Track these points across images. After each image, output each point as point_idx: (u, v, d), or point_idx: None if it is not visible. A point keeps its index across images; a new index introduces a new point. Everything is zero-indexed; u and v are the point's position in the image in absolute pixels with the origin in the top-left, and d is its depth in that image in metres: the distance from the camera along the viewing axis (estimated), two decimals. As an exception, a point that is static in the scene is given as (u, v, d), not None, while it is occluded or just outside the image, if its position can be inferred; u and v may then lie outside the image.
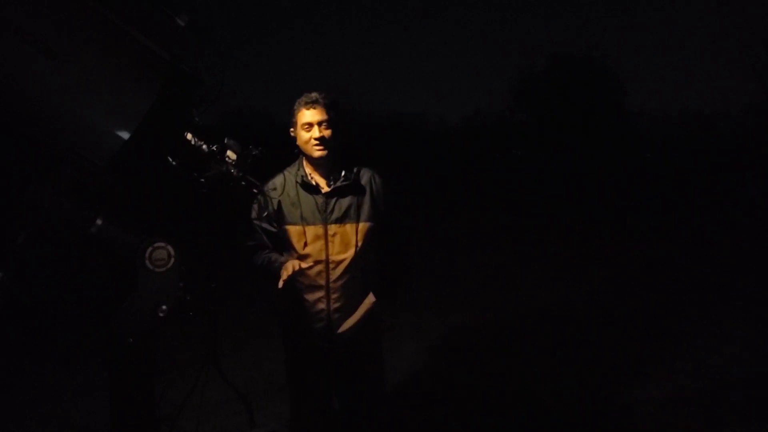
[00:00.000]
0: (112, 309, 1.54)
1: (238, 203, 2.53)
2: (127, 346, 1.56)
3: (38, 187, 1.43)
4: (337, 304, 2.57)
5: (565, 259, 8.54)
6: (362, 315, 2.61)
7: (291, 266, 2.42)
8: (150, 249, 1.52)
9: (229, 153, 1.65)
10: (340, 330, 2.60)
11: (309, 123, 2.54)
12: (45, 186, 1.44)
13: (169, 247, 1.54)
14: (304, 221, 2.55)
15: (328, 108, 2.55)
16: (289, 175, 2.63)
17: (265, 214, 2.62)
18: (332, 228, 2.55)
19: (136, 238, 1.53)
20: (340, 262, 2.55)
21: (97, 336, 1.71)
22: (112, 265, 1.63)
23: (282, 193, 2.56)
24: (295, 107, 2.58)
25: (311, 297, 2.58)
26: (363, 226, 2.58)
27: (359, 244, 2.56)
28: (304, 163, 2.63)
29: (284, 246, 2.62)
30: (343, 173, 2.59)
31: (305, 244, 2.55)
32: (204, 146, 1.61)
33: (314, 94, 2.57)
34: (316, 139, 2.53)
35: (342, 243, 2.55)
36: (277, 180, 2.62)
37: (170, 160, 1.56)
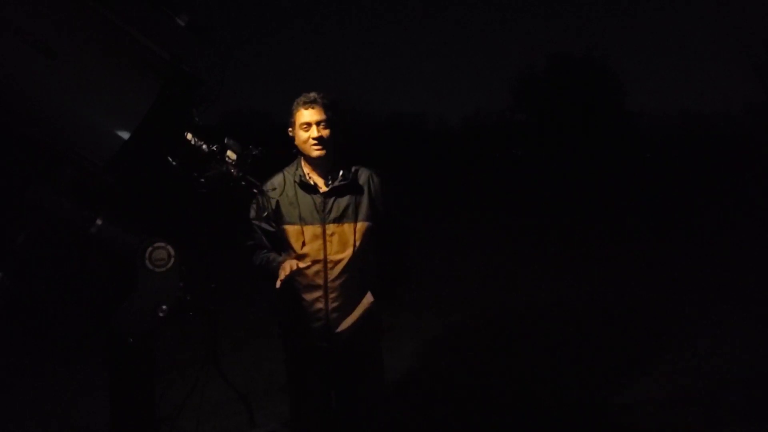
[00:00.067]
0: (112, 309, 1.54)
1: (238, 203, 2.54)
2: (127, 346, 1.56)
3: (38, 187, 1.43)
4: (335, 304, 2.58)
5: (565, 259, 8.54)
6: (360, 315, 2.61)
7: (288, 266, 2.42)
8: (150, 249, 1.52)
9: (229, 153, 1.65)
10: (339, 330, 2.60)
11: (307, 123, 2.54)
12: (45, 186, 1.44)
13: (169, 247, 1.54)
14: (302, 221, 2.56)
15: (327, 108, 2.56)
16: (288, 174, 2.63)
17: (264, 214, 2.62)
18: (330, 228, 2.55)
19: (136, 238, 1.53)
20: (338, 261, 2.55)
21: (97, 336, 1.71)
22: (112, 265, 1.63)
23: (282, 192, 2.56)
24: (294, 107, 2.58)
25: (309, 297, 2.59)
26: (361, 225, 2.58)
27: (357, 243, 2.56)
28: (303, 162, 2.63)
29: (283, 246, 2.62)
30: (341, 173, 2.59)
31: (303, 244, 2.55)
32: (204, 146, 1.61)
33: (312, 94, 2.57)
34: (314, 138, 2.53)
35: (340, 243, 2.55)
36: (277, 179, 2.62)
37: (170, 160, 1.56)
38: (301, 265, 2.47)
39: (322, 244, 2.55)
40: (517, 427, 3.69)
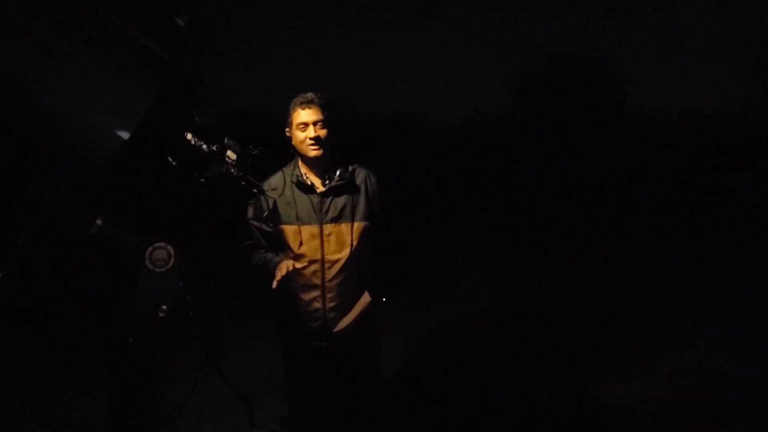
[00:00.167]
0: (112, 309, 1.54)
1: (238, 203, 2.54)
2: (127, 346, 1.56)
3: (38, 187, 1.43)
4: (332, 304, 2.58)
5: (565, 259, 8.54)
6: (358, 314, 2.62)
7: (285, 266, 2.43)
8: (150, 249, 1.52)
9: (229, 153, 1.66)
10: (336, 329, 2.60)
11: (304, 123, 2.55)
12: (45, 186, 1.44)
13: (169, 247, 1.54)
14: (299, 221, 2.56)
15: (323, 108, 2.56)
16: (286, 174, 2.64)
17: (264, 214, 2.63)
18: (328, 227, 2.56)
19: (136, 238, 1.53)
20: (336, 261, 2.56)
21: (97, 336, 1.71)
22: (112, 265, 1.63)
23: (282, 192, 2.57)
24: (291, 107, 2.59)
25: (307, 296, 2.59)
26: (358, 225, 2.58)
27: (354, 243, 2.57)
28: (300, 162, 2.64)
29: (280, 246, 2.62)
30: (338, 173, 2.60)
31: (301, 244, 2.55)
32: (204, 146, 1.61)
33: (309, 94, 2.58)
34: (311, 138, 2.54)
35: (337, 242, 2.56)
36: (275, 179, 2.63)
37: (170, 160, 1.56)
38: (298, 265, 2.47)
39: (320, 244, 2.55)
40: (517, 427, 3.69)
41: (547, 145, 27.77)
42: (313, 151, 2.55)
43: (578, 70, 28.93)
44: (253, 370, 4.37)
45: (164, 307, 1.54)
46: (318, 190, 2.59)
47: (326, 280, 2.57)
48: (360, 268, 2.61)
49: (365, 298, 2.64)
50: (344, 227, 2.57)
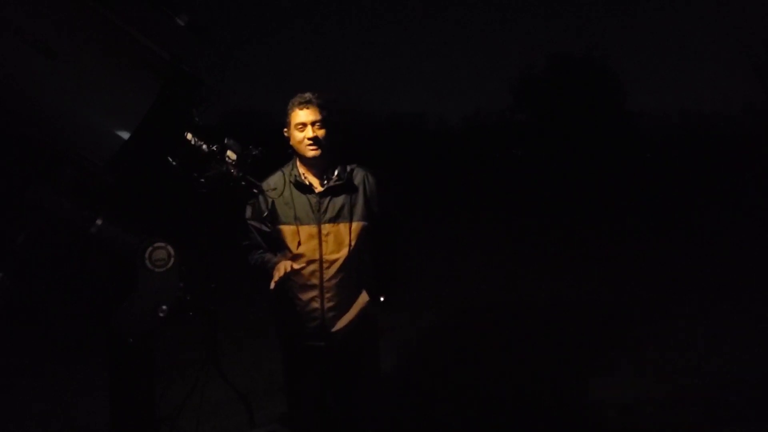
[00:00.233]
0: (112, 309, 1.54)
1: (238, 203, 2.54)
2: (127, 346, 1.56)
3: (38, 187, 1.43)
4: (330, 303, 2.58)
5: (565, 259, 8.54)
6: (356, 314, 2.63)
7: (283, 267, 2.43)
8: (150, 249, 1.52)
9: (229, 153, 1.65)
10: (334, 329, 2.61)
11: (302, 123, 2.55)
12: (45, 186, 1.44)
13: (169, 247, 1.54)
14: (297, 221, 2.56)
15: (322, 108, 2.56)
16: (285, 174, 2.64)
17: (264, 214, 2.63)
18: (326, 227, 2.56)
19: (136, 238, 1.53)
20: (334, 261, 2.56)
21: (97, 336, 1.71)
22: (112, 265, 1.63)
23: (282, 192, 2.57)
24: (289, 107, 2.59)
25: (305, 296, 2.59)
26: (356, 225, 2.58)
27: (353, 243, 2.57)
28: (298, 163, 2.64)
29: (279, 246, 2.63)
30: (336, 173, 2.60)
31: (299, 244, 2.56)
32: (204, 146, 1.61)
33: (307, 94, 2.58)
34: (309, 139, 2.54)
35: (335, 242, 2.56)
36: (275, 179, 2.63)
37: (170, 160, 1.56)
38: (296, 266, 2.47)
39: (318, 244, 2.55)
40: (517, 427, 3.69)
41: (547, 145, 27.78)
42: (311, 152, 2.55)
43: (578, 70, 28.93)
44: (253, 370, 4.37)
45: (164, 307, 1.53)
46: (316, 190, 2.59)
47: (324, 280, 2.57)
48: (358, 268, 2.62)
49: (363, 298, 2.64)
50: (342, 227, 2.57)
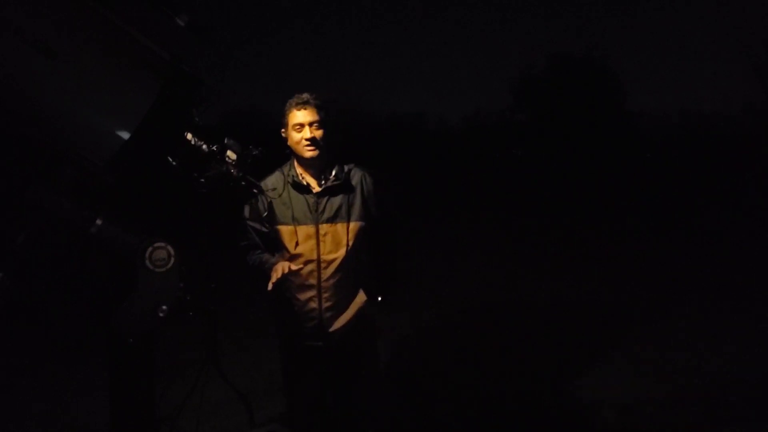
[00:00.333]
0: (112, 309, 1.54)
1: (238, 203, 2.54)
2: (127, 346, 1.56)
3: (38, 187, 1.43)
4: (328, 303, 2.59)
5: (565, 259, 8.54)
6: (354, 314, 2.63)
7: (281, 268, 2.43)
8: (150, 249, 1.52)
9: (229, 153, 1.65)
10: (332, 329, 2.61)
11: (300, 124, 2.55)
12: (45, 186, 1.43)
13: (169, 247, 1.54)
14: (295, 221, 2.57)
15: (319, 108, 2.57)
16: (283, 174, 2.64)
17: (264, 214, 2.63)
18: (323, 228, 2.56)
19: (136, 238, 1.53)
20: (332, 261, 2.56)
21: (97, 336, 1.71)
22: (112, 265, 1.63)
23: (282, 192, 2.57)
24: (286, 108, 2.59)
25: (303, 296, 2.60)
26: (354, 225, 2.59)
27: (350, 243, 2.57)
28: (296, 163, 2.64)
29: (276, 246, 2.63)
30: (334, 173, 2.60)
31: (297, 244, 2.56)
32: (204, 146, 1.61)
33: (305, 95, 2.58)
34: (307, 139, 2.54)
35: (333, 242, 2.56)
36: (274, 180, 2.63)
37: (170, 160, 1.56)
38: (294, 267, 2.47)
39: (316, 244, 2.56)
40: (517, 427, 3.69)
41: (547, 145, 27.77)
42: (309, 152, 2.55)
43: (578, 70, 28.92)
44: (253, 370, 4.37)
45: (164, 307, 1.53)
46: (314, 191, 2.59)
47: (322, 280, 2.57)
48: (356, 268, 2.62)
49: (361, 298, 2.65)
50: (340, 227, 2.57)
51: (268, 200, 2.58)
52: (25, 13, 1.29)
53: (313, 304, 2.59)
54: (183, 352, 3.12)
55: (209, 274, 1.83)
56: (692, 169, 22.11)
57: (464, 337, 5.40)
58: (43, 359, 4.83)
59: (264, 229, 2.63)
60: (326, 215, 2.57)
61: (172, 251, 1.54)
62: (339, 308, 2.61)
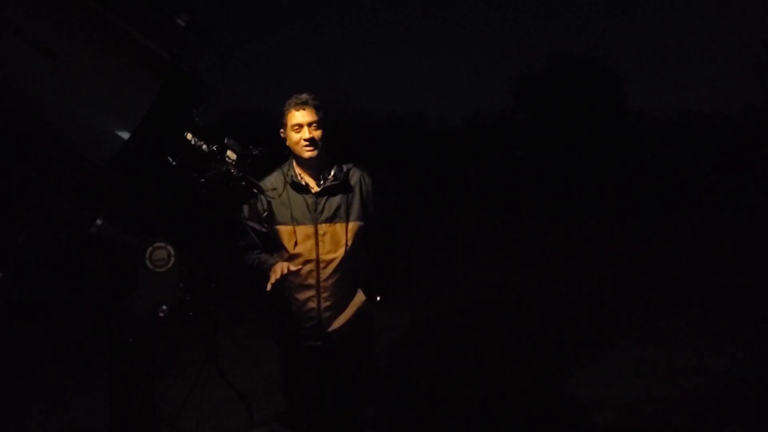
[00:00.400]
0: (112, 309, 1.54)
1: (238, 203, 2.55)
2: (127, 346, 1.55)
3: (38, 187, 1.43)
4: (327, 303, 2.59)
5: (565, 259, 8.54)
6: (353, 314, 2.63)
7: (280, 269, 2.43)
8: (150, 249, 1.52)
9: (229, 153, 1.65)
10: (331, 329, 2.61)
11: (299, 124, 2.55)
12: (45, 186, 1.43)
13: (169, 247, 1.54)
14: (294, 221, 2.57)
15: (318, 109, 2.57)
16: (283, 174, 2.64)
17: (265, 214, 2.63)
18: (322, 227, 2.56)
19: (136, 238, 1.53)
20: (331, 261, 2.57)
21: (97, 336, 1.71)
22: (112, 265, 1.63)
23: (282, 192, 2.57)
24: (285, 108, 2.60)
25: (302, 296, 2.60)
26: (353, 225, 2.59)
27: (349, 243, 2.58)
28: (294, 163, 2.64)
29: (275, 246, 2.63)
30: (332, 173, 2.61)
31: (296, 244, 2.56)
32: (204, 146, 1.61)
33: (304, 95, 2.58)
34: (306, 140, 2.54)
35: (332, 242, 2.56)
36: (274, 180, 2.63)
37: (170, 160, 1.56)
38: (293, 268, 2.47)
39: (314, 244, 2.56)
40: (517, 427, 3.69)
41: (547, 145, 27.74)
42: (308, 152, 2.56)
43: (578, 70, 28.89)
44: (253, 370, 4.37)
45: (164, 307, 1.53)
46: (313, 191, 2.59)
47: (321, 279, 2.58)
48: (354, 268, 2.62)
49: (359, 298, 2.65)
50: (339, 227, 2.58)
51: (268, 200, 2.58)
52: (25, 13, 1.29)
53: (312, 304, 2.59)
54: (183, 352, 3.13)
55: (209, 274, 1.84)
56: (692, 169, 22.12)
57: (464, 337, 5.40)
58: (43, 359, 4.83)
59: (263, 229, 2.64)
60: (325, 215, 2.57)
61: (172, 251, 1.54)
62: (338, 308, 2.61)
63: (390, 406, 3.49)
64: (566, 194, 16.46)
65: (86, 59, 1.37)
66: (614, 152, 25.69)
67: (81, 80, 1.36)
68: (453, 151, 31.06)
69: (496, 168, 26.25)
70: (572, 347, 4.99)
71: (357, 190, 2.63)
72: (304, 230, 2.56)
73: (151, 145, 1.46)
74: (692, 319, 5.55)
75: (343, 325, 2.62)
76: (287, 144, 2.62)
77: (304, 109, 2.55)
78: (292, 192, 2.59)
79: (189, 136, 1.59)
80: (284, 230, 2.58)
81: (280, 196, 2.57)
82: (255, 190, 1.76)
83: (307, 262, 2.56)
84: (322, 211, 2.57)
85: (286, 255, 2.58)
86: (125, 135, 1.41)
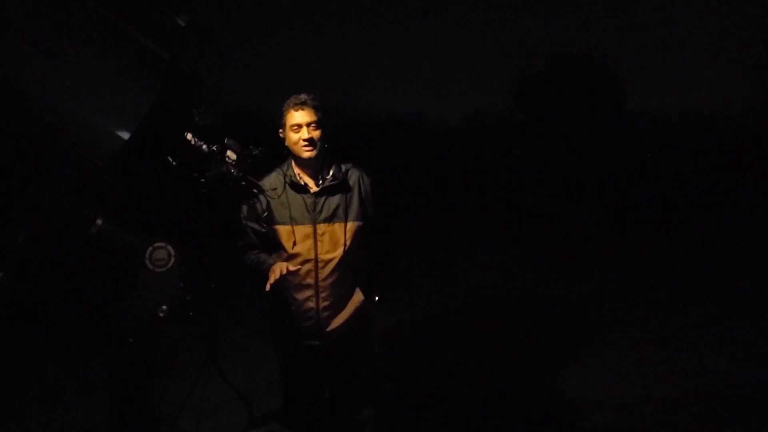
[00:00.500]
0: (112, 309, 1.54)
1: (238, 203, 2.55)
2: (127, 346, 1.56)
3: (38, 187, 1.43)
4: (326, 303, 2.59)
5: (565, 259, 8.54)
6: (351, 313, 2.63)
7: (279, 269, 2.43)
8: (150, 249, 1.52)
9: (229, 153, 1.65)
10: (329, 328, 2.61)
11: (298, 124, 2.56)
12: (45, 186, 1.44)
13: (169, 247, 1.54)
14: (293, 221, 2.57)
15: (317, 109, 2.57)
16: (282, 174, 2.64)
17: (265, 214, 2.63)
18: (321, 227, 2.57)
19: (136, 238, 1.53)
20: (329, 261, 2.57)
21: (97, 336, 1.71)
22: (112, 265, 1.63)
23: (282, 192, 2.57)
24: (284, 109, 2.60)
25: (300, 296, 2.60)
26: (351, 225, 2.59)
27: (348, 243, 2.58)
28: (293, 163, 2.65)
29: (274, 245, 2.63)
30: (331, 173, 2.61)
31: (294, 244, 2.57)
32: (204, 146, 1.61)
33: (303, 96, 2.59)
34: (305, 140, 2.55)
35: (331, 242, 2.57)
36: (274, 180, 2.63)
37: (170, 160, 1.56)
38: (291, 268, 2.47)
39: (313, 243, 2.56)
40: (517, 427, 3.69)
41: (547, 145, 27.74)
42: (306, 152, 2.56)
43: (578, 70, 28.88)
44: (253, 370, 4.37)
45: (164, 307, 1.54)
46: (311, 191, 2.60)
47: (319, 279, 2.58)
48: (353, 268, 2.63)
49: (358, 297, 2.65)
50: (337, 227, 2.58)
51: (267, 200, 2.58)
52: (25, 13, 1.30)
53: (311, 304, 2.59)
54: (183, 352, 3.13)
55: (209, 274, 1.84)
56: (692, 169, 22.12)
57: (464, 337, 5.40)
58: (43, 359, 4.83)
59: (262, 229, 2.64)
60: (324, 215, 2.57)
61: (172, 251, 1.54)
62: (336, 308, 2.62)
63: (389, 405, 3.49)
64: (566, 194, 16.45)
65: (86, 59, 1.37)
66: (614, 152, 25.68)
67: (81, 80, 1.36)
68: (453, 151, 31.08)
69: (496, 168, 26.25)
70: (572, 347, 4.99)
71: (356, 190, 2.63)
72: (302, 230, 2.57)
73: (151, 145, 1.46)
74: (692, 319, 5.55)
75: (341, 325, 2.62)
76: (286, 144, 2.63)
77: (303, 110, 2.56)
78: (291, 192, 2.60)
79: (189, 136, 1.59)
80: (283, 230, 2.58)
81: (279, 196, 2.57)
82: (255, 190, 1.77)
83: (305, 261, 2.56)
84: (320, 211, 2.57)
85: (285, 255, 2.58)
86: (125, 135, 1.41)
